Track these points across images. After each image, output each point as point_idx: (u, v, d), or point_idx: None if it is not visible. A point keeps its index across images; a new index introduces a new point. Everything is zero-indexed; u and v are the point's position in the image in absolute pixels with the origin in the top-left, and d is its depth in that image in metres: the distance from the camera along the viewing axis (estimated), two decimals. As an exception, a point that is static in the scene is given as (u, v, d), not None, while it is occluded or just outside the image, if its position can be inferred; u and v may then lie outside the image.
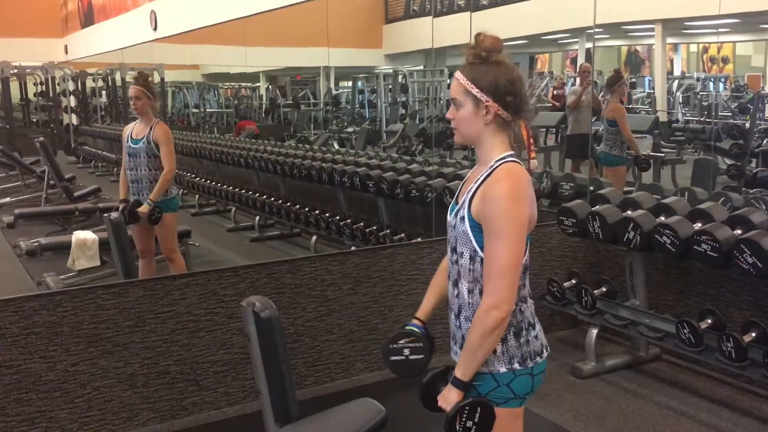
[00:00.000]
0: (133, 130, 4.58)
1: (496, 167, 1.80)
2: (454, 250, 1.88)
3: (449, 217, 1.91)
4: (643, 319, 3.69)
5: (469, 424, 1.80)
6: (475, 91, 1.80)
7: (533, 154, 5.98)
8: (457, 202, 1.89)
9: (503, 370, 1.83)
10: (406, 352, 1.96)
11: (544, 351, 1.90)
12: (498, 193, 1.75)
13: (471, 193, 1.82)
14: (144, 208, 4.44)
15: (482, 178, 1.81)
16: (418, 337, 1.97)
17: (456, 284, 1.88)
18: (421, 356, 1.96)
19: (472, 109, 1.81)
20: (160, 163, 4.50)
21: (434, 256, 3.89)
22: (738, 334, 3.18)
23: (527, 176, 1.81)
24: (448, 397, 1.83)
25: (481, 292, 1.82)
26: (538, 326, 1.91)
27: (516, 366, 1.83)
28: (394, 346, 1.97)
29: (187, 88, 16.37)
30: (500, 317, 1.74)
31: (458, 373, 1.82)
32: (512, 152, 1.84)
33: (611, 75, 6.61)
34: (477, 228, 1.79)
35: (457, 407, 1.80)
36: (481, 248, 1.79)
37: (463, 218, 1.82)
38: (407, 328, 2.01)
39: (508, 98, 1.80)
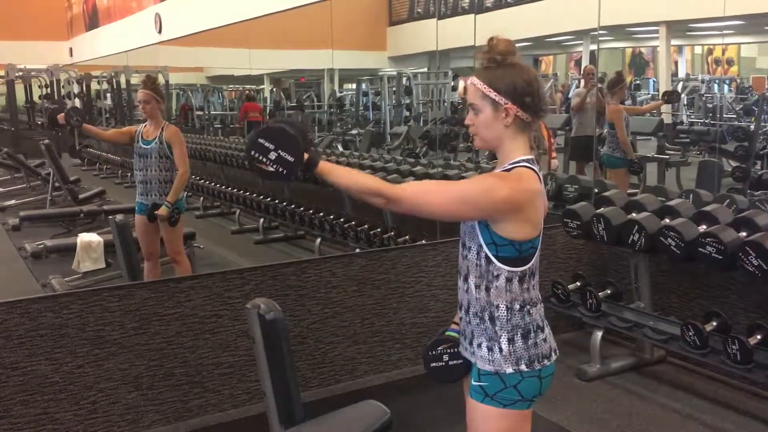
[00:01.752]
0: (143, 131, 4.60)
1: (509, 168, 1.82)
2: (463, 245, 1.90)
3: None
4: (648, 322, 3.69)
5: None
6: (493, 94, 1.80)
7: (554, 154, 5.98)
8: None
9: (510, 370, 1.83)
10: (446, 357, 1.97)
11: (553, 354, 1.90)
12: (492, 175, 1.82)
13: None
14: (163, 210, 4.47)
15: None
16: (456, 342, 1.98)
17: (466, 279, 1.89)
18: (461, 361, 1.97)
19: (492, 113, 1.82)
20: (171, 163, 4.52)
21: (438, 258, 3.90)
22: (743, 337, 3.18)
23: (535, 181, 1.81)
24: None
25: (486, 289, 1.83)
26: (547, 329, 1.91)
27: (523, 368, 1.84)
28: (434, 352, 1.98)
29: (191, 90, 16.39)
30: (381, 205, 1.80)
31: (325, 166, 1.83)
32: (530, 157, 1.84)
33: (612, 77, 6.61)
34: (483, 223, 1.81)
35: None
36: (487, 244, 1.81)
37: None
38: (446, 333, 2.02)
39: (527, 99, 1.80)
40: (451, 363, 1.97)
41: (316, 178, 1.83)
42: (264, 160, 1.81)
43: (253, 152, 1.81)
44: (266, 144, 1.80)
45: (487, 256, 1.81)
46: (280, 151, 1.80)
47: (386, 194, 1.78)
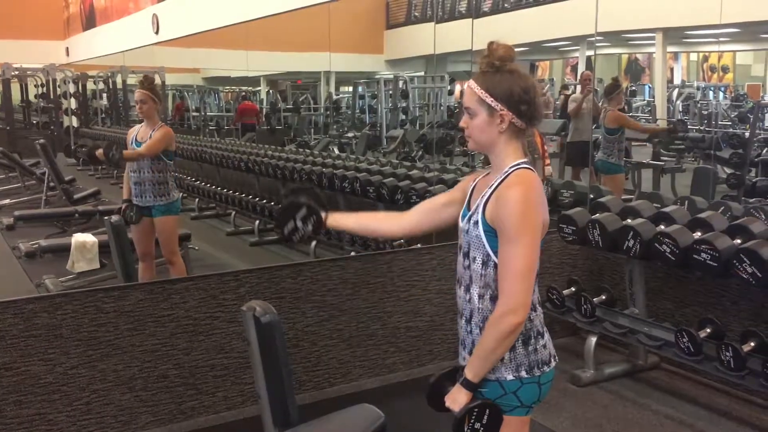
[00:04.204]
0: (138, 132, 4.60)
1: (510, 173, 1.82)
2: (466, 255, 1.88)
3: (461, 223, 1.91)
4: (642, 328, 3.70)
5: (477, 426, 1.80)
6: (489, 100, 1.80)
7: (548, 161, 5.99)
8: (468, 208, 1.90)
9: (510, 377, 1.84)
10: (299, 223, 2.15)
11: (552, 360, 1.91)
12: (512, 197, 1.76)
13: (485, 198, 1.83)
14: (100, 153, 4.47)
15: (496, 184, 1.82)
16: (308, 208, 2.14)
17: (468, 289, 1.88)
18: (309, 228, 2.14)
19: (486, 117, 1.82)
20: (163, 165, 4.52)
21: (434, 262, 3.90)
22: (737, 344, 3.18)
23: (539, 182, 1.83)
24: (457, 398, 1.83)
25: (491, 298, 1.82)
26: (546, 335, 1.92)
27: (523, 374, 1.84)
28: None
29: (187, 91, 16.38)
30: (516, 322, 1.75)
31: (469, 374, 1.82)
32: (526, 159, 1.85)
33: (609, 83, 6.64)
34: (491, 233, 1.80)
35: (466, 408, 1.79)
36: (495, 253, 1.80)
37: (476, 222, 1.83)
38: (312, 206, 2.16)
39: (522, 107, 1.81)
40: (300, 225, 2.13)
41: (476, 386, 1.84)
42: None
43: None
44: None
45: (495, 265, 1.80)
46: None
47: (513, 318, 1.74)
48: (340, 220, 2.17)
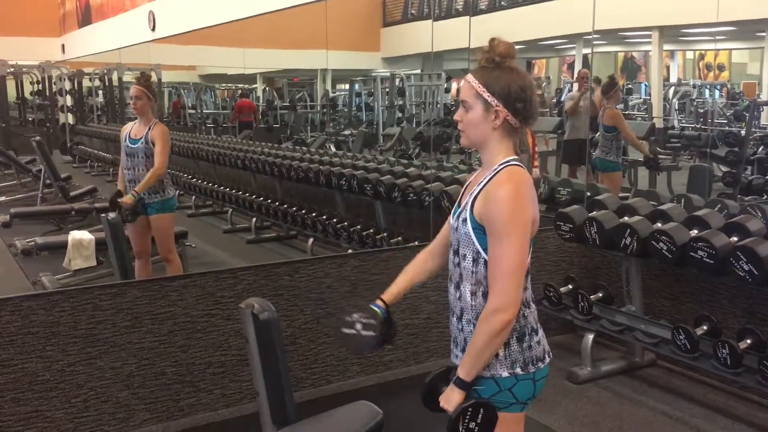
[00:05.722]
0: (132, 129, 4.58)
1: (499, 170, 1.82)
2: (456, 252, 1.88)
3: (451, 220, 1.92)
4: (639, 325, 3.71)
5: (472, 425, 1.80)
6: (486, 95, 1.81)
7: (536, 162, 6.01)
8: (459, 205, 1.90)
9: (505, 374, 1.84)
10: (359, 326, 1.97)
11: (546, 357, 1.91)
12: (501, 195, 1.76)
13: (474, 196, 1.83)
14: (128, 199, 4.41)
15: (485, 181, 1.82)
16: (374, 314, 1.99)
17: (458, 287, 1.89)
18: (372, 334, 1.95)
19: (482, 112, 1.82)
20: None
21: (431, 259, 3.90)
22: (733, 341, 3.20)
23: (529, 179, 1.83)
24: (451, 398, 1.83)
25: (484, 295, 1.83)
26: (540, 332, 1.92)
27: (518, 371, 1.84)
28: (348, 318, 1.97)
29: (183, 88, 16.34)
30: (506, 319, 1.75)
31: (461, 373, 1.82)
32: (516, 156, 1.85)
33: (606, 81, 6.66)
34: (480, 230, 1.80)
35: (460, 408, 1.80)
36: (484, 250, 1.80)
37: (465, 220, 1.83)
38: (370, 306, 2.02)
39: (519, 105, 1.81)
40: (363, 333, 1.96)
41: (469, 385, 1.83)
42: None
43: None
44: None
45: (486, 262, 1.81)
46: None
47: (503, 315, 1.74)
48: (392, 299, 2.11)
